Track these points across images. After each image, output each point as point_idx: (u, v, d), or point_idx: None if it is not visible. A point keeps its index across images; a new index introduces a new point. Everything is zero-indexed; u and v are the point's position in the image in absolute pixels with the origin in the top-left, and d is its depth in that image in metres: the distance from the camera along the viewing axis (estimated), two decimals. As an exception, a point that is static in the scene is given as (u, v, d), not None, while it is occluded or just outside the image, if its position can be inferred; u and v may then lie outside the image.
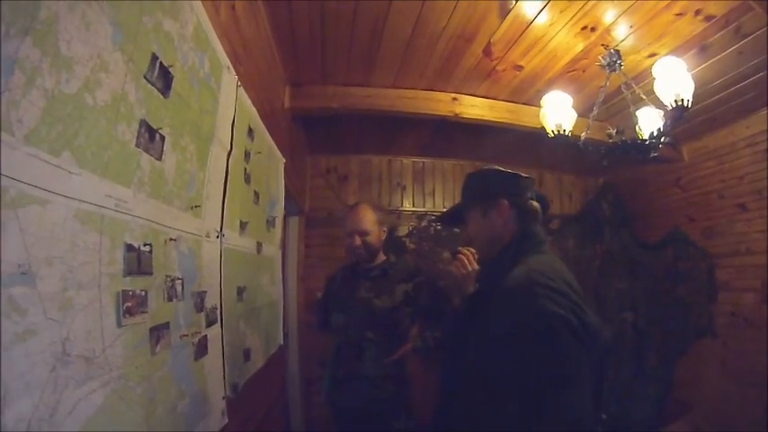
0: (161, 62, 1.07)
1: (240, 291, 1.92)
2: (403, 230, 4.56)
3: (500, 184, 1.49)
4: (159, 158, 1.08)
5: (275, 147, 2.67)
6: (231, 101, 1.73)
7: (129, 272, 0.92)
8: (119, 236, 0.90)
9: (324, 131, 4.05)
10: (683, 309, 4.07)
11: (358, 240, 2.43)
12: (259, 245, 2.31)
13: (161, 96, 1.08)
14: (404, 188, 4.76)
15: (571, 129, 2.52)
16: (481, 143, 4.10)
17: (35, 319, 0.68)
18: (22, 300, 0.66)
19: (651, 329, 4.33)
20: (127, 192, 0.93)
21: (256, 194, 2.22)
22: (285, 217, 4.28)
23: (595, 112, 2.59)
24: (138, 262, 0.96)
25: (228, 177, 1.70)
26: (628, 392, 4.08)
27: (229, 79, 1.68)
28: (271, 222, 2.64)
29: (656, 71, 2.19)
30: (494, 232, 1.45)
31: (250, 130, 2.05)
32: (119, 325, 0.88)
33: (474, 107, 3.28)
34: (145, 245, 0.99)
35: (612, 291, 4.56)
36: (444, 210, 4.56)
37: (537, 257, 1.34)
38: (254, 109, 2.11)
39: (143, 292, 0.98)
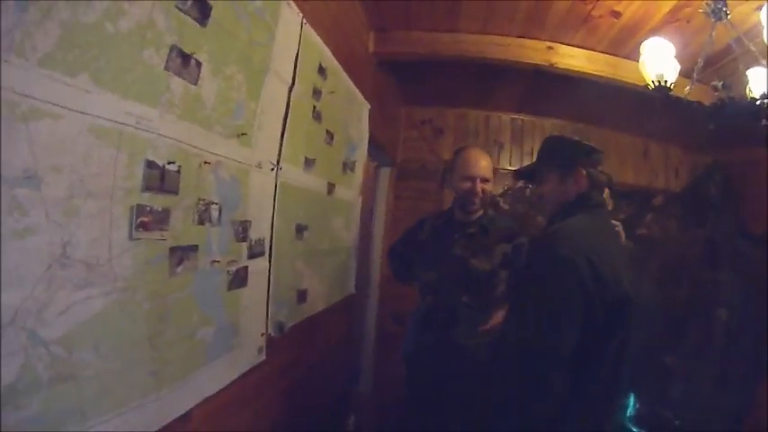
0: (195, -8, 1.12)
1: (300, 228, 2.00)
2: (497, 190, 4.47)
3: (579, 154, 1.70)
4: (194, 83, 1.15)
5: (357, 91, 2.72)
6: (294, 37, 1.77)
7: (147, 188, 1.00)
8: (139, 152, 0.98)
9: (418, 82, 4.03)
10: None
11: (480, 186, 2.33)
12: (331, 186, 2.39)
13: (197, 25, 1.14)
14: (501, 146, 4.67)
15: (674, 81, 2.31)
16: (583, 102, 3.91)
17: (36, 219, 0.76)
18: (25, 201, 0.74)
19: (744, 334, 3.92)
20: (152, 111, 1.00)
21: (330, 134, 2.28)
22: (377, 167, 4.41)
23: (700, 63, 2.33)
24: (160, 179, 1.04)
25: (290, 111, 1.77)
26: (706, 402, 3.75)
27: (291, 15, 1.72)
28: (349, 166, 2.71)
29: (763, 16, 1.95)
30: (566, 196, 1.69)
31: (321, 69, 2.09)
32: (130, 238, 0.96)
33: (571, 57, 3.10)
34: (170, 163, 1.07)
35: (710, 282, 4.19)
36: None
37: (582, 217, 1.59)
38: (327, 49, 2.14)
39: (164, 210, 1.06)
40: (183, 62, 1.10)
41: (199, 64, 1.16)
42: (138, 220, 0.98)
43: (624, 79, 3.12)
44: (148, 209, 1.01)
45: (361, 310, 4.26)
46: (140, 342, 1.03)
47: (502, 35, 3.10)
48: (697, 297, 4.14)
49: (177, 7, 1.07)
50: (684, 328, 4.06)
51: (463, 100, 4.53)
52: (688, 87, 2.37)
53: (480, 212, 2.43)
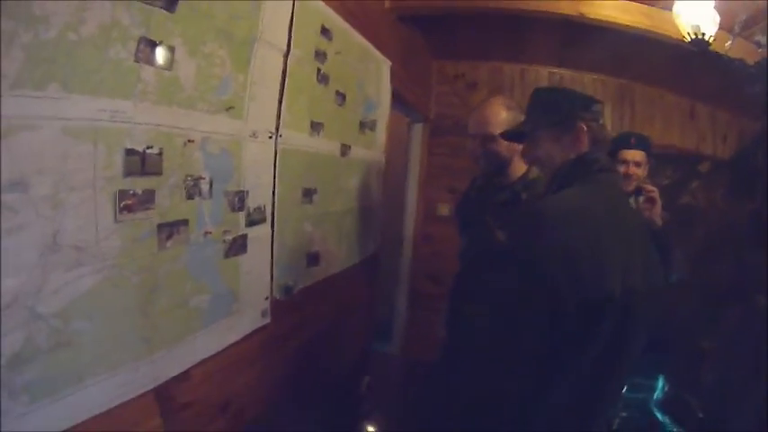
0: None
1: (309, 192, 2.18)
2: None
3: (577, 106, 1.52)
4: (169, 68, 1.30)
5: (372, 48, 2.83)
6: (286, 3, 1.88)
7: (128, 173, 1.17)
8: (116, 143, 1.14)
9: (447, 35, 4.10)
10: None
11: (481, 146, 2.16)
12: (345, 147, 2.54)
13: (164, 12, 1.27)
14: (538, 101, 4.68)
15: (713, 34, 2.24)
16: (624, 57, 3.89)
17: (26, 217, 0.94)
18: (15, 203, 0.91)
19: (783, 324, 3.76)
20: (125, 103, 1.16)
21: (341, 95, 2.42)
22: (409, 124, 4.53)
23: (741, 17, 2.24)
24: (141, 164, 1.21)
25: (288, 78, 1.91)
26: (734, 395, 3.69)
27: (281, -18, 1.83)
28: (367, 125, 2.85)
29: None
30: (564, 159, 1.50)
31: (325, 30, 2.20)
32: (115, 220, 1.14)
33: (602, 7, 3.07)
34: (149, 147, 1.23)
35: (753, 263, 4.03)
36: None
37: (579, 188, 1.40)
38: (330, 9, 2.22)
39: (146, 191, 1.23)
40: (154, 50, 1.25)
41: (171, 49, 1.30)
42: (122, 204, 1.15)
43: (662, 32, 3.04)
44: (131, 192, 1.18)
45: (393, 270, 4.45)
46: (131, 311, 1.23)
47: (528, -15, 3.08)
48: (738, 277, 4.04)
49: (141, 0, 1.20)
50: (723, 311, 3.98)
51: (496, 53, 4.58)
52: (729, 42, 2.29)
53: (521, 174, 2.19)
